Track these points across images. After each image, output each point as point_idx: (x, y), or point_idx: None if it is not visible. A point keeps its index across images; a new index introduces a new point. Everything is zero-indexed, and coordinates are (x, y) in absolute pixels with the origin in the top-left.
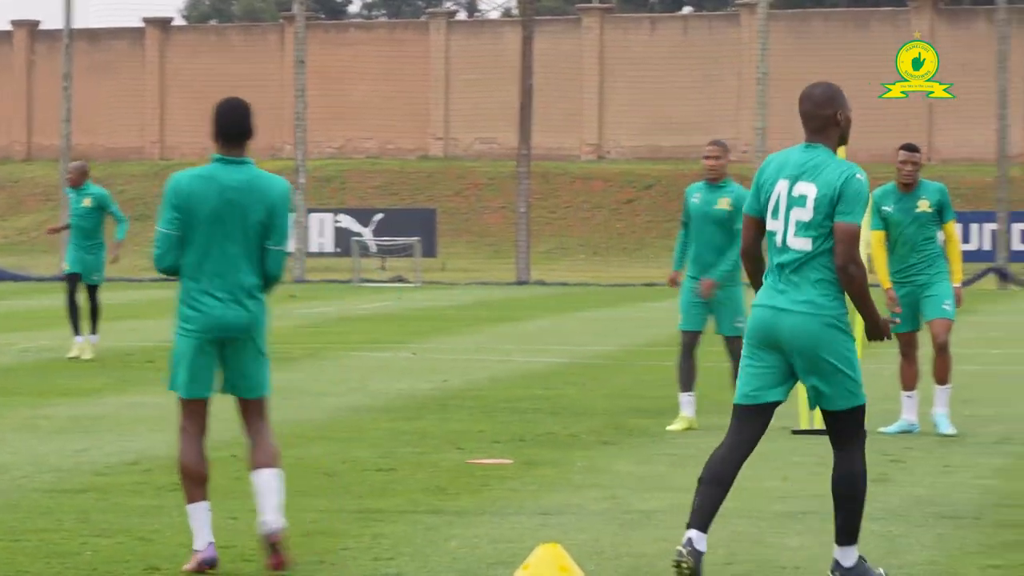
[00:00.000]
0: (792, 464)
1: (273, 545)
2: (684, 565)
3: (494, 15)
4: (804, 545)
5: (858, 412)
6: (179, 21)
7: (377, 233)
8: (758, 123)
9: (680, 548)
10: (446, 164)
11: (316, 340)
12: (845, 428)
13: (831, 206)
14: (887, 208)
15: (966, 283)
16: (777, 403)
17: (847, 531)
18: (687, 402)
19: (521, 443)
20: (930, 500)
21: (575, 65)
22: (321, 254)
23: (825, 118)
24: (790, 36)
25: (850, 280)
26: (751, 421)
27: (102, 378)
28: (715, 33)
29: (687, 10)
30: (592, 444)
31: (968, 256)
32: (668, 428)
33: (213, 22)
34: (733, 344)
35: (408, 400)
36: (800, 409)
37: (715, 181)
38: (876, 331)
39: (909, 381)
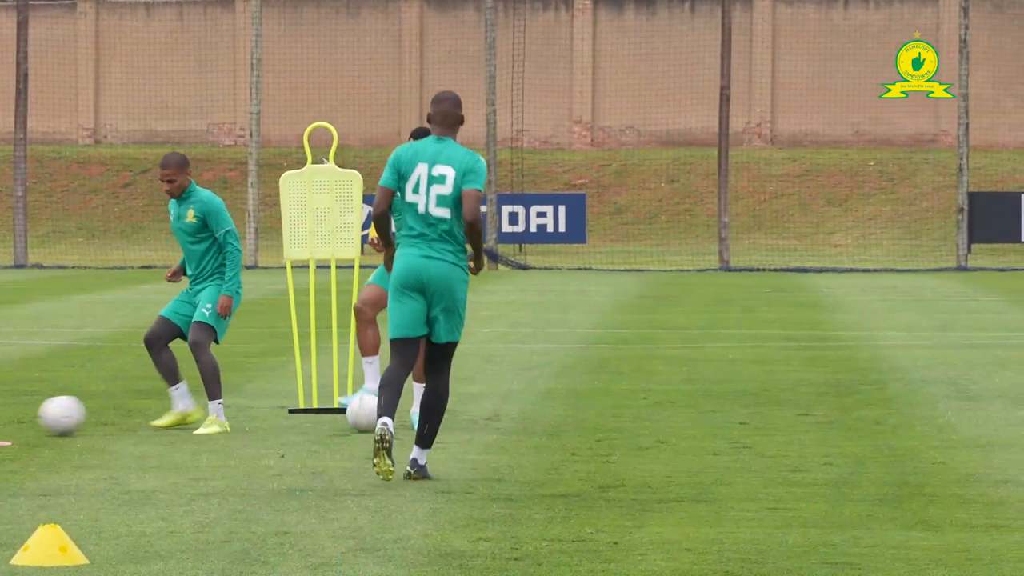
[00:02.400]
0: (289, 443)
1: None
2: (387, 438)
3: None
4: (302, 520)
5: (454, 346)
6: None
7: None
8: (253, 108)
9: (381, 428)
10: None
11: None
12: (444, 356)
13: (463, 180)
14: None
15: None
16: (424, 336)
17: (430, 437)
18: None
19: (20, 425)
20: None
21: (71, 50)
22: None
23: (457, 117)
24: (283, 23)
25: (471, 229)
26: (406, 349)
27: None
28: (210, 19)
29: None
30: (91, 425)
31: None
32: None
33: None
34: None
35: None
36: (299, 388)
37: (179, 195)
38: (481, 267)
39: (371, 346)
